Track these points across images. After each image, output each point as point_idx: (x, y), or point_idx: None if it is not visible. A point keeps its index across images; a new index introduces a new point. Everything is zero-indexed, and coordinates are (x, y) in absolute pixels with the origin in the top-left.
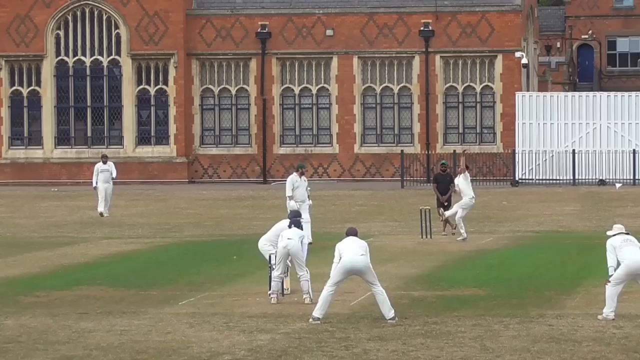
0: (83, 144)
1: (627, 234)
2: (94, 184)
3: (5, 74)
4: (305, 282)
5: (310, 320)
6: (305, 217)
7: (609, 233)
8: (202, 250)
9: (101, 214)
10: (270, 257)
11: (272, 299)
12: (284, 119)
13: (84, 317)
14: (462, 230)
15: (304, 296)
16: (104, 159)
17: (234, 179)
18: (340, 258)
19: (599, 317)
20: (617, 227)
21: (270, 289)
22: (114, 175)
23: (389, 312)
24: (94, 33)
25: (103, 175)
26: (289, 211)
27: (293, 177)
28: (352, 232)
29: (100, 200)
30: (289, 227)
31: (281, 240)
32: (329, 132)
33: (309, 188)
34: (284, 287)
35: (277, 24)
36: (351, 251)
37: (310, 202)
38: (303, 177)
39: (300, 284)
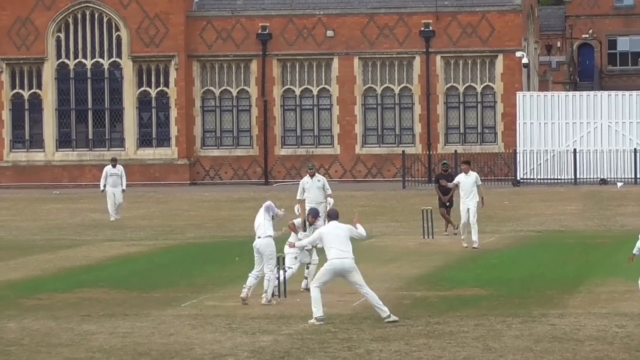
0: (84, 146)
1: None
2: (102, 188)
3: (6, 77)
4: (266, 282)
5: (314, 321)
6: (319, 223)
7: None
8: (204, 252)
9: (112, 220)
10: (278, 258)
11: (242, 292)
12: (285, 120)
13: (86, 319)
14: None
15: (262, 295)
16: (114, 162)
17: (235, 181)
18: (320, 240)
19: None
20: None
21: (264, 291)
22: (124, 186)
23: (384, 311)
24: (95, 35)
25: (112, 179)
26: (296, 213)
27: (303, 180)
28: (333, 216)
29: (109, 206)
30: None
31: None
32: (330, 133)
33: (327, 187)
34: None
35: (277, 25)
36: (338, 252)
37: (332, 200)
38: (316, 177)
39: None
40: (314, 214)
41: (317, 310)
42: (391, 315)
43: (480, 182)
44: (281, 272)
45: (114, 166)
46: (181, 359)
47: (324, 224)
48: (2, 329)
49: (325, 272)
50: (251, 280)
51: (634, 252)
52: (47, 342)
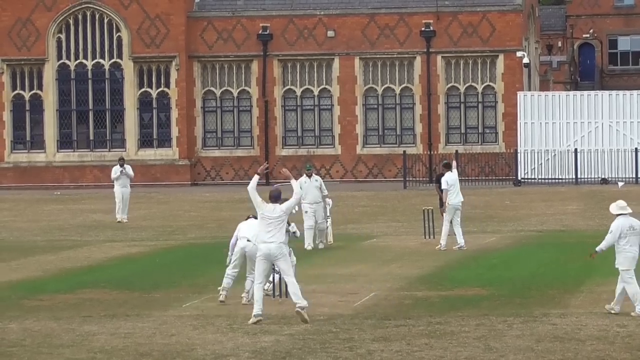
0: (85, 147)
1: (630, 214)
2: (117, 175)
3: (7, 78)
4: (249, 282)
5: (253, 319)
6: (321, 227)
7: (612, 211)
8: (205, 252)
9: (119, 221)
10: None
11: (221, 295)
12: (286, 121)
13: (87, 320)
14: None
15: (243, 295)
16: (121, 161)
17: (236, 181)
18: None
19: (632, 313)
20: (622, 206)
21: (246, 291)
22: (131, 175)
23: (300, 300)
24: (96, 36)
25: (121, 179)
26: (292, 212)
27: (301, 180)
28: (274, 197)
29: (117, 206)
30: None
31: (240, 239)
32: (331, 133)
33: (324, 187)
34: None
35: (278, 26)
36: (265, 236)
37: (330, 201)
38: (314, 178)
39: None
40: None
41: (257, 308)
42: (304, 310)
43: (445, 187)
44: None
45: (121, 165)
46: None
47: (327, 223)
48: (3, 330)
49: (257, 260)
50: (228, 281)
51: (597, 250)
52: (49, 343)
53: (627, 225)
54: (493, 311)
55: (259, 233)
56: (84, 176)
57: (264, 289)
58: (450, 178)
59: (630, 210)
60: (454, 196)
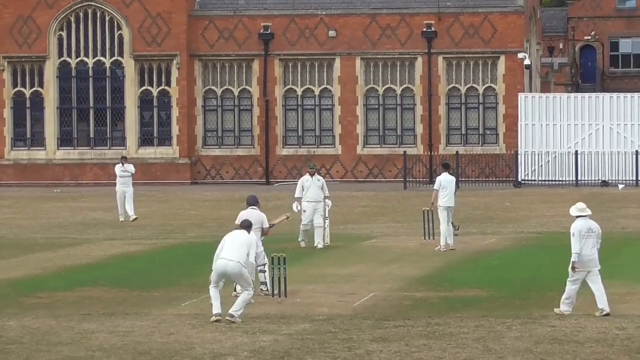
0: (86, 145)
1: (589, 216)
2: (120, 173)
3: (8, 75)
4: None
5: (213, 317)
6: (318, 222)
7: (572, 212)
8: (205, 251)
9: (128, 219)
10: (278, 258)
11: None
12: (287, 120)
13: (86, 318)
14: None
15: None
16: (123, 160)
17: (236, 180)
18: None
19: (555, 310)
20: (581, 208)
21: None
22: (132, 172)
23: (236, 310)
24: (97, 34)
25: (123, 177)
26: (295, 211)
27: (303, 178)
28: (252, 202)
29: (119, 206)
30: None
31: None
32: (331, 133)
33: (325, 188)
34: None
35: (279, 25)
36: (226, 253)
37: (330, 202)
38: (316, 177)
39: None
40: (252, 201)
41: (215, 307)
42: (236, 317)
43: (436, 187)
44: (264, 274)
45: (123, 164)
46: (181, 358)
47: (325, 224)
48: (2, 327)
49: (213, 272)
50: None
51: (573, 259)
52: (47, 340)
53: (585, 227)
54: (492, 312)
55: (225, 243)
56: (84, 174)
57: (261, 290)
58: (445, 179)
59: (589, 212)
60: (447, 199)
